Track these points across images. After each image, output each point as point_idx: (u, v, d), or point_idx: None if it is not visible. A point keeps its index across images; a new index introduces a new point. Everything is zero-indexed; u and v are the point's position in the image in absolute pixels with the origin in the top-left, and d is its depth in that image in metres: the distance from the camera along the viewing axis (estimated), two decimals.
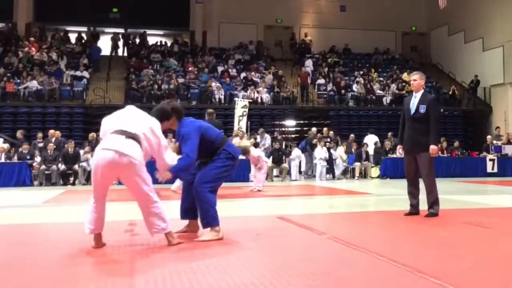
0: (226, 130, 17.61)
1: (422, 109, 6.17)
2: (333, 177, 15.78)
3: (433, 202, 6.20)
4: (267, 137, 16.68)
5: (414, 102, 6.30)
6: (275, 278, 3.16)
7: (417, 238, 4.93)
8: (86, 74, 20.41)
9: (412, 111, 6.27)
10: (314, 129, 17.21)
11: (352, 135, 17.63)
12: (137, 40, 24.20)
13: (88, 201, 4.14)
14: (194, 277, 3.23)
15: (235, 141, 15.93)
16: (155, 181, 4.34)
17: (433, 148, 6.10)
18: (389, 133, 17.69)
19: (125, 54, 23.75)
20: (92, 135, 15.10)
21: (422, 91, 6.38)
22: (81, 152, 14.49)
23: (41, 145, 14.79)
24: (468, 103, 22.68)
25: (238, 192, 10.69)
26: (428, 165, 6.23)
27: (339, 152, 16.39)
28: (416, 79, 6.37)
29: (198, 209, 4.52)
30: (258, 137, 16.41)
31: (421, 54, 26.69)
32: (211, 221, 4.47)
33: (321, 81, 22.19)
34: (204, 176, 4.48)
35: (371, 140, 17.25)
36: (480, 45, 23.02)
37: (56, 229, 6.03)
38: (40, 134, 15.25)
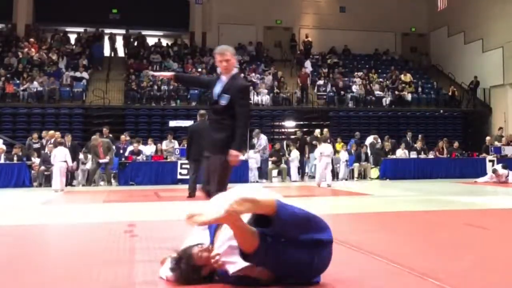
0: None
1: None
2: (333, 178, 15.78)
3: None
4: (262, 137, 16.66)
5: None
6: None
7: (417, 239, 4.93)
8: (85, 75, 20.41)
9: None
10: (317, 130, 17.20)
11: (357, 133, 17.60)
12: (136, 42, 24.18)
13: None
14: None
15: None
16: None
17: None
18: (386, 136, 17.60)
19: (125, 55, 23.74)
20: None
21: None
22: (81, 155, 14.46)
23: (36, 145, 14.77)
24: (468, 104, 22.68)
25: None
26: None
27: (342, 156, 16.38)
28: None
29: None
30: (255, 138, 16.39)
31: (421, 55, 26.68)
32: None
33: (321, 82, 22.19)
34: None
35: (366, 141, 17.27)
36: (479, 46, 23.02)
37: (55, 229, 6.03)
38: (35, 135, 15.20)
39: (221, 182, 4.33)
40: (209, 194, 4.27)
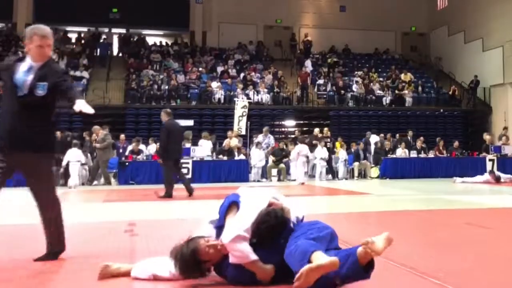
0: (226, 130, 17.62)
1: None
2: (333, 177, 15.79)
3: None
4: (271, 136, 16.71)
5: None
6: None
7: (417, 238, 4.92)
8: (86, 74, 20.40)
9: None
10: (316, 129, 17.21)
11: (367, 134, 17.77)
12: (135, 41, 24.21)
13: None
14: None
15: (226, 141, 16.08)
16: None
17: None
18: (388, 134, 17.68)
19: (125, 54, 23.75)
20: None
21: None
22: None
23: None
24: (468, 103, 22.67)
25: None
26: None
27: (341, 155, 16.38)
28: None
29: None
30: (261, 136, 16.44)
31: (421, 54, 26.67)
32: None
33: (321, 81, 22.18)
34: None
35: (372, 140, 17.27)
36: (480, 45, 23.00)
37: None
38: None
39: (53, 187, 3.86)
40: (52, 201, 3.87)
